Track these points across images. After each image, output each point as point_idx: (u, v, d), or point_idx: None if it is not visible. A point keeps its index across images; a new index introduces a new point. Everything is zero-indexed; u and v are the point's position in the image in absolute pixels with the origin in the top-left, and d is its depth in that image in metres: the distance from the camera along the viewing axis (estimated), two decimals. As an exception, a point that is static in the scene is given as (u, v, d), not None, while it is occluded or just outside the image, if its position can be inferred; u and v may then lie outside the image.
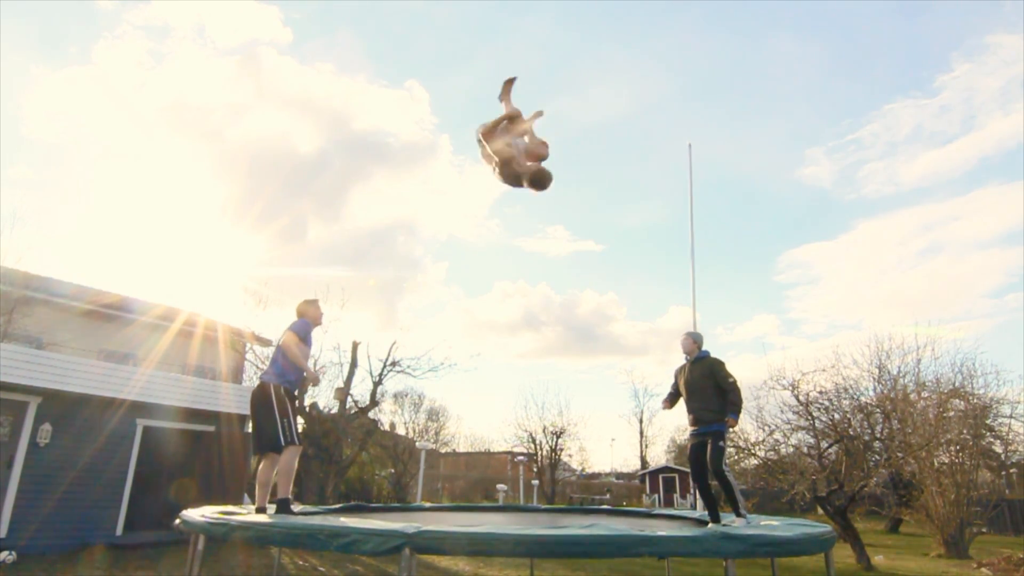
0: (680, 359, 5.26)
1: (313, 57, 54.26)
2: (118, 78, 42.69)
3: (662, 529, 4.09)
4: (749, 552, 3.21)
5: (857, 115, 50.84)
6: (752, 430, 14.26)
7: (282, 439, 4.55)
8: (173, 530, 4.39)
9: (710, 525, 4.57)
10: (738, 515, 4.61)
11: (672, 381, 5.30)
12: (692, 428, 4.92)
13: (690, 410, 4.94)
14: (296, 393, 4.92)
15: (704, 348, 5.13)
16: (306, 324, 4.95)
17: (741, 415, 4.79)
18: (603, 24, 53.60)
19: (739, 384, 4.78)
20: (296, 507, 5.26)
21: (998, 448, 15.76)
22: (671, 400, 5.28)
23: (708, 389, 4.82)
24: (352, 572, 8.71)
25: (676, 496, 32.34)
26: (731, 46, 50.08)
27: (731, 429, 4.79)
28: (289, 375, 4.73)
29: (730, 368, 4.88)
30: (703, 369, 4.92)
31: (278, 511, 4.48)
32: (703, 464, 4.76)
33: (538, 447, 30.16)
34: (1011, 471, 19.54)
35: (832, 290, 53.19)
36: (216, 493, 10.75)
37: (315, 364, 17.04)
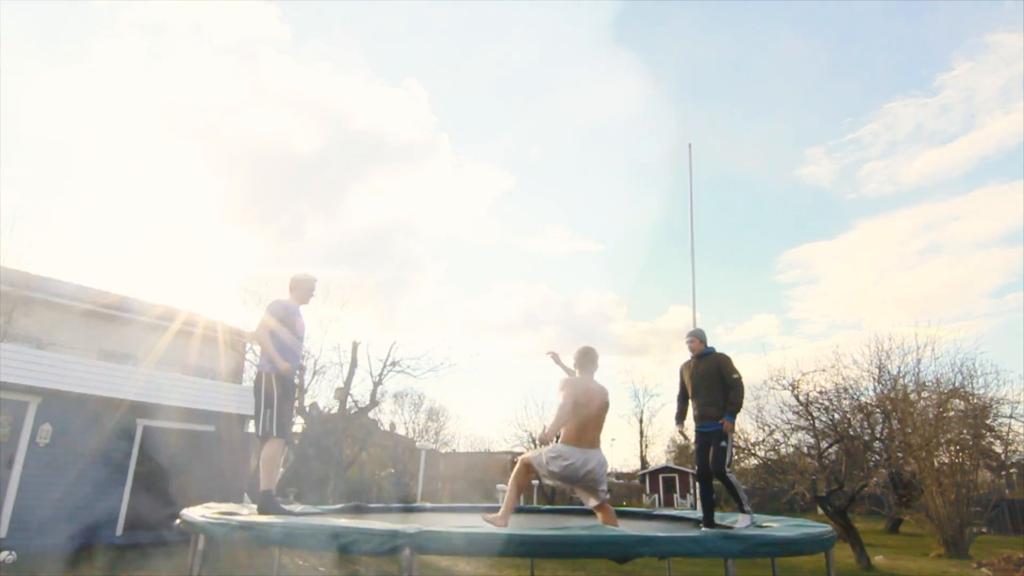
0: (682, 357, 5.28)
1: (311, 55, 54.18)
2: (115, 76, 42.68)
3: (662, 529, 4.09)
4: (749, 552, 3.20)
5: (857, 114, 50.79)
6: (752, 430, 14.28)
7: (261, 429, 4.30)
8: (173, 530, 4.35)
9: (701, 527, 4.55)
10: (742, 512, 4.59)
11: (678, 391, 5.25)
12: (697, 424, 4.93)
13: (696, 406, 4.96)
14: (296, 380, 4.73)
15: (709, 344, 5.16)
16: (280, 305, 4.55)
17: (741, 415, 4.80)
18: (603, 24, 53.62)
19: (743, 381, 4.78)
20: (296, 507, 5.21)
21: (998, 448, 15.77)
22: (682, 415, 5.23)
23: (715, 384, 4.83)
24: (352, 572, 8.71)
25: (676, 496, 32.27)
26: (731, 46, 50.07)
27: (729, 432, 4.77)
28: (278, 362, 4.37)
29: (736, 364, 4.89)
30: (709, 364, 4.93)
31: (260, 509, 4.23)
32: (706, 465, 4.76)
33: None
34: (1011, 471, 19.56)
35: (832, 290, 53.12)
36: (216, 493, 10.72)
37: (316, 361, 17.05)
